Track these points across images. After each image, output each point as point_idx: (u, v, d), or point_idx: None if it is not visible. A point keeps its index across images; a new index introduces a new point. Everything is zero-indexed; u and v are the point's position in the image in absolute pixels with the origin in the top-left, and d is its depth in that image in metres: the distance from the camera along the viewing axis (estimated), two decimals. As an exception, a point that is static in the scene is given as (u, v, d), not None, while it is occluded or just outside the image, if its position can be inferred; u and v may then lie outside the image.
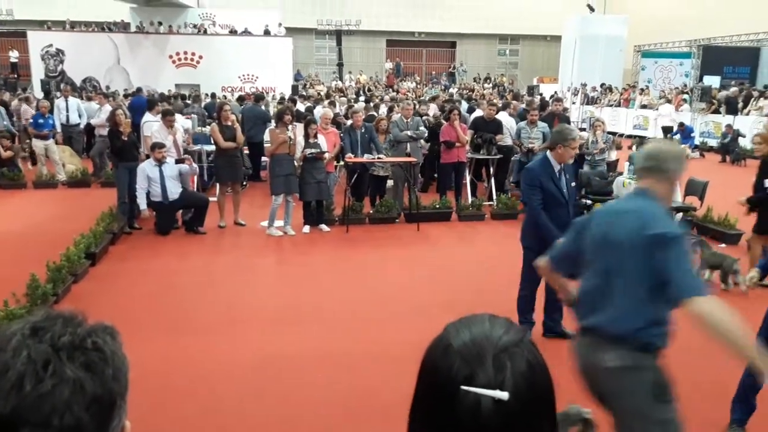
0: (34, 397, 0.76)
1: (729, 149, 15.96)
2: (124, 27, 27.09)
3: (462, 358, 0.90)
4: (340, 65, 31.38)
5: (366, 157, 8.76)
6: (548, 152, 4.60)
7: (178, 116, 9.81)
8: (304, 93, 22.16)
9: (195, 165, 8.79)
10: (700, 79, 21.83)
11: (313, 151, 8.06)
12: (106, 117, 10.24)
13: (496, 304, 5.67)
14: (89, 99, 14.61)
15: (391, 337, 4.89)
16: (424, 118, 11.32)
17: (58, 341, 0.81)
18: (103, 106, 12.69)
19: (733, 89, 19.86)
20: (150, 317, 5.36)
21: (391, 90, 27.85)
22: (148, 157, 8.19)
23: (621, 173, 9.35)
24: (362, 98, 20.26)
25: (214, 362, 4.49)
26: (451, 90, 27.32)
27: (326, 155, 8.28)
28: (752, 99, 18.83)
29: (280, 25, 28.06)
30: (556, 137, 4.62)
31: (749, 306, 5.62)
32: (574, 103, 23.80)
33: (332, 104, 14.31)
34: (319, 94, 19.59)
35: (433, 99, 16.28)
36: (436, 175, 10.97)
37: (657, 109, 20.55)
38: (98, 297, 5.86)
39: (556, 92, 24.07)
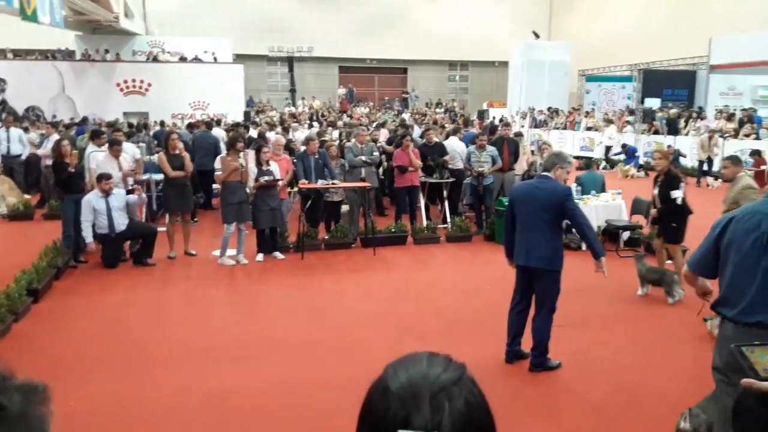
0: None
1: (671, 168, 16.58)
2: (69, 55, 26.45)
3: (399, 400, 0.88)
4: (292, 91, 31.39)
5: (320, 183, 8.74)
6: (547, 173, 4.82)
7: (127, 144, 9.60)
8: (257, 119, 22.04)
9: (144, 195, 8.58)
10: (642, 102, 22.72)
11: (266, 178, 7.99)
12: (51, 147, 9.92)
13: (455, 325, 5.70)
14: (25, 129, 14.13)
15: (351, 366, 4.82)
16: (378, 144, 11.42)
17: None
18: (50, 136, 12.32)
19: (674, 111, 20.73)
20: (97, 355, 5.15)
21: (345, 115, 27.99)
22: (93, 188, 7.95)
23: (570, 194, 9.56)
24: (315, 124, 20.28)
25: (167, 400, 4.33)
26: (403, 115, 27.62)
27: (280, 182, 8.21)
28: (690, 120, 19.69)
29: (234, 57, 27.93)
30: (555, 159, 4.89)
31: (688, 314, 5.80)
32: (522, 126, 24.42)
33: (285, 130, 14.25)
34: (272, 119, 19.50)
35: (382, 125, 16.40)
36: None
37: (602, 131, 21.28)
38: (41, 336, 5.60)
39: (504, 116, 24.62)
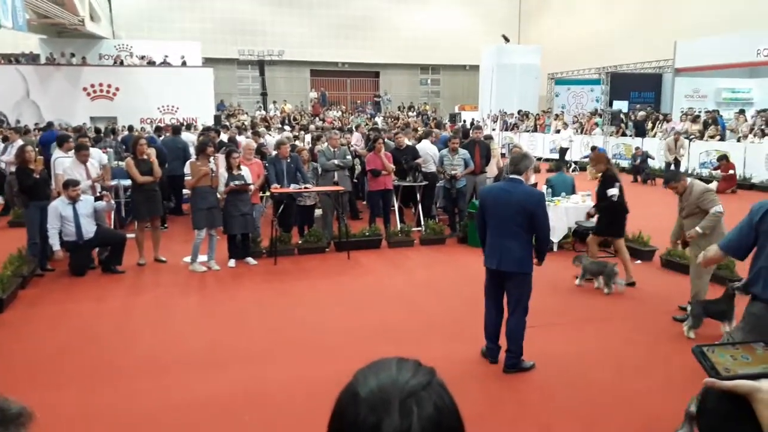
0: None
1: (640, 170, 16.90)
2: (33, 59, 25.90)
3: (368, 406, 0.88)
4: (264, 95, 31.21)
5: (293, 187, 8.68)
6: (518, 175, 4.82)
7: (94, 150, 9.42)
8: (228, 123, 21.84)
9: (113, 201, 8.42)
10: (610, 104, 23.13)
11: (237, 182, 7.91)
12: (15, 153, 9.67)
13: (429, 328, 5.70)
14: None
15: (326, 371, 4.78)
16: (352, 148, 11.41)
17: None
18: (14, 142, 12.01)
19: (641, 113, 21.15)
20: (65, 366, 5.02)
21: (317, 119, 27.91)
22: (59, 194, 7.77)
23: (541, 195, 9.66)
24: (287, 128, 20.18)
25: (137, 411, 4.23)
26: (376, 119, 27.66)
27: (251, 187, 8.14)
28: (657, 122, 20.10)
29: (203, 60, 27.65)
30: (526, 162, 4.90)
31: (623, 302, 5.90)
32: (494, 129, 24.65)
33: (256, 134, 14.13)
34: (243, 123, 19.34)
35: (356, 127, 16.42)
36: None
37: (558, 132, 21.71)
38: (7, 346, 5.44)
39: (475, 120, 24.85)
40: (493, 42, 29.05)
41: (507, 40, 28.24)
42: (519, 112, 26.48)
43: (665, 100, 23.31)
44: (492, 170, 10.51)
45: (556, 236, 8.74)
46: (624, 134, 20.62)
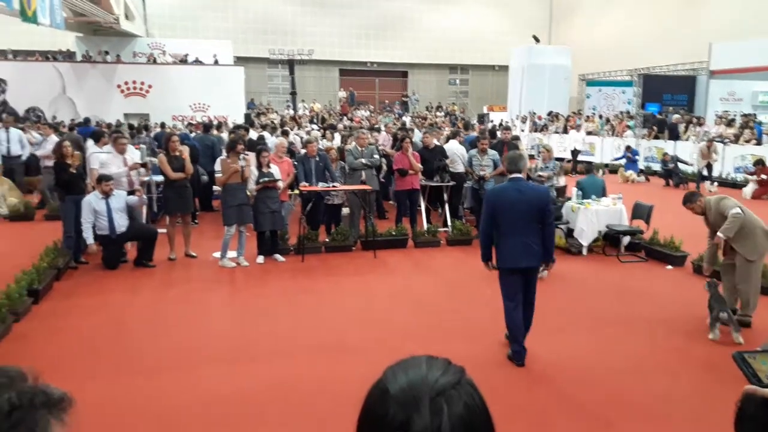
0: None
1: (671, 174, 16.59)
2: (69, 56, 26.48)
3: (398, 403, 0.89)
4: (293, 94, 31.43)
5: (321, 186, 8.74)
6: (519, 174, 5.00)
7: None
8: (258, 122, 22.05)
9: (144, 196, 8.57)
10: (642, 107, 22.76)
11: (266, 179, 7.99)
12: (52, 148, 9.92)
13: (454, 327, 5.69)
14: (23, 130, 14.09)
15: (350, 369, 4.81)
16: (380, 147, 11.42)
17: None
18: (48, 137, 12.31)
19: (676, 116, 20.77)
20: (96, 357, 5.14)
21: (345, 118, 28.02)
22: (94, 189, 7.94)
23: (569, 198, 9.57)
24: (315, 127, 20.28)
25: (164, 404, 4.31)
26: (404, 118, 27.65)
27: (280, 183, 8.21)
28: (690, 125, 19.73)
29: (235, 59, 27.97)
30: (521, 162, 5.07)
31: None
32: (522, 130, 24.46)
33: (285, 133, 14.25)
34: (272, 122, 19.50)
35: (378, 129, 16.30)
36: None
37: (568, 134, 21.51)
38: (41, 337, 5.59)
39: (503, 121, 24.67)
40: (523, 42, 28.82)
41: (537, 40, 28.00)
42: (549, 113, 26.22)
43: (699, 103, 22.85)
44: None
45: (585, 239, 8.64)
46: (656, 137, 20.28)
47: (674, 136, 19.57)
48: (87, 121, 16.51)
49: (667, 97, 23.70)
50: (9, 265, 7.20)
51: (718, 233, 5.81)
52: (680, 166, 16.58)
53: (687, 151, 17.84)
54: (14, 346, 5.34)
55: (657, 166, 18.64)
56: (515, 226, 4.81)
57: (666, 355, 5.21)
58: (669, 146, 18.84)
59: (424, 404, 0.87)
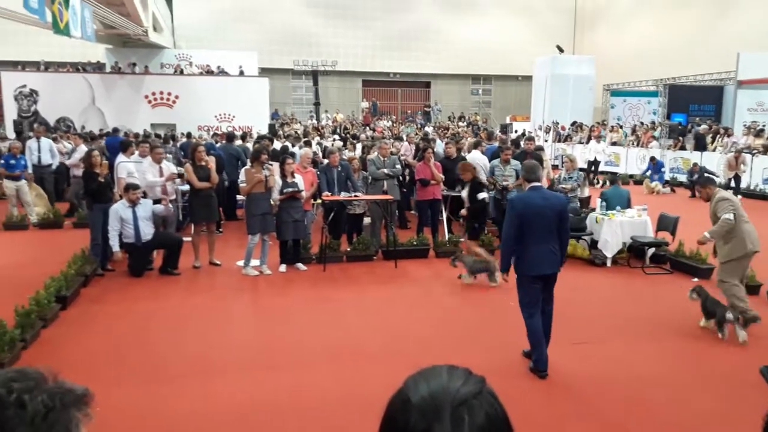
0: None
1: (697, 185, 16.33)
2: (99, 67, 27.08)
3: (419, 412, 0.89)
4: (316, 104, 31.71)
5: (343, 195, 8.79)
6: (538, 182, 5.18)
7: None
8: (281, 132, 22.27)
9: (170, 206, 8.71)
10: (668, 117, 22.47)
11: (289, 189, 8.07)
12: (81, 157, 10.15)
13: (474, 338, 5.67)
14: (54, 140, 14.43)
15: (371, 378, 4.82)
16: (402, 157, 11.44)
17: None
18: (78, 147, 12.58)
19: (704, 126, 20.48)
20: (121, 363, 5.22)
21: (368, 128, 28.16)
22: (121, 197, 8.10)
23: (593, 209, 9.48)
24: (336, 137, 20.41)
25: (187, 411, 4.36)
26: (426, 129, 27.69)
27: (303, 194, 8.28)
28: (718, 136, 19.43)
29: (260, 70, 28.33)
30: (539, 171, 5.24)
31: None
32: (546, 140, 24.31)
33: (308, 144, 14.37)
34: (296, 132, 19.69)
35: (406, 137, 16.40)
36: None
37: (587, 145, 21.27)
38: (68, 342, 5.70)
39: (526, 131, 24.54)
40: (547, 52, 28.71)
41: (561, 50, 27.86)
42: (573, 123, 26.03)
43: (726, 114, 22.50)
44: (543, 182, 10.36)
45: (610, 251, 8.54)
46: (683, 147, 20.00)
47: (701, 146, 19.29)
48: (116, 130, 16.83)
49: (694, 108, 23.38)
50: (38, 271, 7.37)
51: (705, 233, 6.09)
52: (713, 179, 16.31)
53: (713, 162, 17.56)
54: (43, 350, 5.46)
55: (683, 177, 18.38)
56: (541, 234, 4.87)
57: (691, 367, 5.13)
58: (695, 157, 18.56)
59: (446, 414, 0.87)
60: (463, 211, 8.84)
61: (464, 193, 8.56)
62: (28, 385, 0.85)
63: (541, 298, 5.00)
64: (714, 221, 6.11)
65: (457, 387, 0.92)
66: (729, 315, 5.64)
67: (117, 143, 11.67)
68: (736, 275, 6.03)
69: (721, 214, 5.94)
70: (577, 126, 25.74)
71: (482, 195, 8.37)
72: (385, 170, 9.50)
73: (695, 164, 17.54)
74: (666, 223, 8.70)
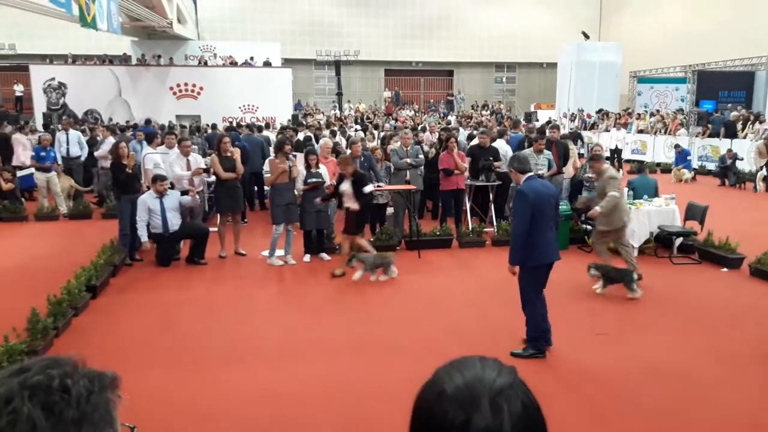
0: None
1: (728, 172, 16.00)
2: (125, 60, 27.42)
3: (457, 402, 0.89)
4: (339, 95, 31.72)
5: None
6: (531, 173, 5.31)
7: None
8: (304, 122, 22.35)
9: (197, 197, 8.81)
10: (697, 104, 22.01)
11: (312, 180, 8.10)
12: (109, 149, 10.31)
13: (500, 330, 5.65)
14: (83, 132, 14.69)
15: (395, 369, 4.85)
16: (425, 148, 11.39)
17: (29, 380, 0.84)
18: (106, 139, 12.79)
19: (734, 113, 20.01)
20: (149, 351, 5.33)
21: (390, 118, 28.09)
22: (148, 188, 8.22)
23: (620, 198, 9.34)
24: (358, 127, 20.40)
25: (214, 399, 4.44)
26: (449, 117, 27.53)
27: (326, 184, 8.31)
28: (749, 123, 18.98)
29: (282, 61, 28.42)
30: (528, 162, 5.39)
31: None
32: (571, 129, 23.98)
33: (333, 134, 14.40)
34: (318, 123, 19.73)
35: (422, 130, 16.13)
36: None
37: (608, 131, 20.86)
38: (98, 330, 5.83)
39: (551, 118, 24.22)
40: (572, 39, 28.29)
41: (587, 37, 27.44)
42: (599, 111, 25.66)
43: (758, 100, 21.95)
44: (568, 171, 10.24)
45: (637, 241, 8.43)
46: (711, 135, 19.59)
47: (731, 134, 18.86)
48: (148, 122, 17.05)
49: (724, 94, 22.86)
50: (68, 261, 7.53)
51: (597, 207, 6.98)
52: (737, 164, 15.97)
53: (744, 150, 17.17)
54: (74, 338, 5.59)
55: (712, 165, 18.02)
56: (546, 222, 5.00)
57: (719, 362, 5.05)
58: (725, 144, 18.17)
59: (484, 404, 0.88)
60: (355, 206, 7.66)
61: (345, 187, 7.64)
62: (66, 371, 0.88)
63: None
64: (601, 195, 7.01)
65: (492, 377, 0.92)
66: (635, 275, 6.65)
67: (152, 133, 11.86)
68: (607, 243, 7.20)
69: (609, 190, 6.84)
70: (602, 114, 25.36)
71: (368, 188, 7.77)
72: (408, 160, 9.48)
73: (729, 150, 17.11)
74: (694, 212, 8.55)
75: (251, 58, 27.02)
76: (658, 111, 22.40)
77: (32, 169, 12.35)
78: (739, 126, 19.07)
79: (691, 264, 8.16)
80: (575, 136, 14.56)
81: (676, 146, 18.05)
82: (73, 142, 13.00)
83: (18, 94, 28.34)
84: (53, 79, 24.07)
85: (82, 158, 13.23)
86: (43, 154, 11.65)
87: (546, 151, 9.51)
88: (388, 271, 7.46)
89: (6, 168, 12.15)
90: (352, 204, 7.63)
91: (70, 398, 0.84)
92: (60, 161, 12.33)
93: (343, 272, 7.55)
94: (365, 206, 7.77)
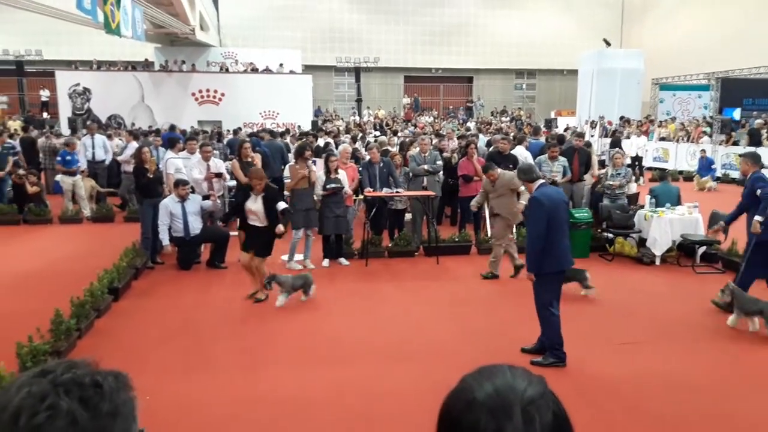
0: (29, 428, 0.80)
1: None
2: (148, 66, 27.82)
3: (488, 410, 0.89)
4: (359, 101, 31.85)
5: (385, 191, 8.81)
6: (542, 180, 5.38)
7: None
8: (324, 128, 22.48)
9: (218, 201, 8.89)
10: (720, 111, 21.71)
11: (332, 185, 8.14)
12: (132, 154, 10.46)
13: (518, 338, 5.62)
14: (108, 137, 14.91)
15: (413, 375, 4.84)
16: (444, 155, 11.38)
17: (59, 378, 0.86)
18: (129, 144, 12.97)
19: (758, 121, 19.71)
20: (169, 354, 5.38)
21: (409, 124, 28.11)
22: (170, 193, 8.32)
23: (642, 206, 9.26)
24: (377, 132, 20.43)
25: (231, 402, 4.46)
26: (468, 124, 27.47)
27: (345, 190, 8.33)
28: (773, 130, 18.69)
29: (303, 67, 28.62)
30: (536, 171, 5.44)
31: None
32: (592, 136, 23.81)
33: (354, 140, 14.45)
34: (337, 128, 19.82)
35: (442, 137, 16.04)
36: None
37: (629, 138, 20.63)
38: (120, 333, 5.90)
39: (570, 126, 24.05)
40: (593, 46, 28.12)
41: (608, 44, 27.25)
42: (621, 118, 25.43)
43: (783, 108, 21.62)
44: (588, 178, 10.17)
45: (659, 249, 8.33)
46: (735, 143, 19.30)
47: (755, 142, 18.57)
48: (173, 128, 17.25)
49: (748, 102, 22.54)
50: (91, 264, 7.64)
51: (521, 201, 7.43)
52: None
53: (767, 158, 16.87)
54: (96, 340, 5.67)
55: (735, 174, 17.75)
56: (561, 228, 5.00)
57: (741, 374, 4.96)
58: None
59: (516, 413, 0.87)
60: (280, 228, 6.96)
61: (253, 205, 6.86)
62: (91, 369, 0.90)
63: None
64: (497, 195, 7.69)
65: (523, 387, 0.92)
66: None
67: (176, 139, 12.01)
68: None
69: (521, 187, 7.08)
70: (624, 121, 25.13)
71: (281, 205, 6.92)
72: (426, 166, 9.47)
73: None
74: (718, 221, 8.40)
75: (281, 65, 27.21)
76: (675, 118, 22.10)
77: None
78: (764, 133, 18.78)
79: (715, 273, 8.04)
80: (615, 143, 14.51)
81: (702, 151, 17.82)
82: (98, 147, 13.22)
83: (44, 99, 28.89)
84: (78, 84, 24.48)
85: (107, 162, 13.43)
86: (69, 158, 11.84)
87: (561, 158, 9.47)
88: (308, 291, 6.92)
89: (32, 171, 12.37)
90: (258, 222, 6.87)
91: (104, 392, 0.86)
92: (85, 165, 12.54)
93: (266, 296, 6.89)
94: (273, 227, 6.84)
